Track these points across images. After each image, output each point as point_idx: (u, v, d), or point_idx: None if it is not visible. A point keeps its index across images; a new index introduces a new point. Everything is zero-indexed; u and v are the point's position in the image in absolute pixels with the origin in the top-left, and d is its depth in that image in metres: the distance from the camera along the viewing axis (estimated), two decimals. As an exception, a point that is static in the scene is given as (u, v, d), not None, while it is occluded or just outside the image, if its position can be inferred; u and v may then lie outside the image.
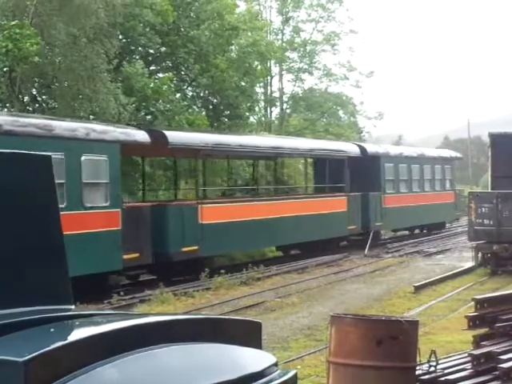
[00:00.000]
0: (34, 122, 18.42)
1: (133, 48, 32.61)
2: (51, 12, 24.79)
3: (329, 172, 30.93)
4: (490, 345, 9.07)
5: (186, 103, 32.98)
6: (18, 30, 22.60)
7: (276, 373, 3.55)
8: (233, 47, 36.35)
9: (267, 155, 30.13)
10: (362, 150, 33.70)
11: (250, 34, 37.24)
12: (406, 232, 38.83)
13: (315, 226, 28.90)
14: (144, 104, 30.23)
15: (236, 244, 25.48)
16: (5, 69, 25.41)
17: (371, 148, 35.08)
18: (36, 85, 28.56)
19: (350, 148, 33.41)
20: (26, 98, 28.68)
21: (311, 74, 52.58)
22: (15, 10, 24.81)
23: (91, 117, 26.22)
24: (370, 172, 33.71)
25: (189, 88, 35.83)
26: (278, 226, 27.03)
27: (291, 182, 38.93)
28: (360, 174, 33.06)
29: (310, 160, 34.14)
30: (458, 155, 45.72)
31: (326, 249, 29.54)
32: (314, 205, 29.67)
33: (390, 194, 34.69)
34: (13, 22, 23.03)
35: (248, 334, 3.81)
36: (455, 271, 23.97)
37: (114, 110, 25.78)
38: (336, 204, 30.81)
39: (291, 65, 52.24)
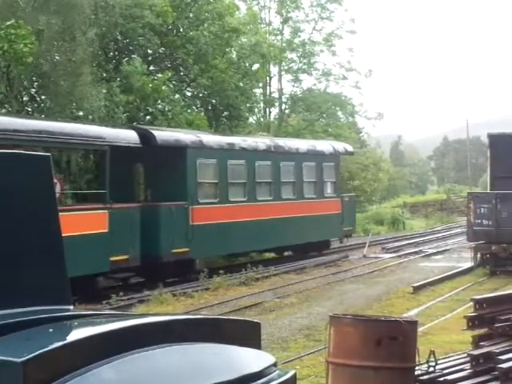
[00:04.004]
0: None
1: (131, 48, 32.61)
2: (37, 6, 24.74)
3: (70, 171, 22.32)
4: (489, 345, 9.07)
5: (184, 103, 32.97)
6: (13, 31, 22.55)
7: (275, 373, 3.55)
8: (232, 49, 36.34)
9: None
10: (146, 136, 21.94)
11: (251, 37, 37.28)
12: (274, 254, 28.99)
13: None
14: (143, 104, 30.22)
15: None
16: (3, 69, 25.40)
17: (165, 135, 23.16)
18: (35, 84, 28.55)
19: (117, 134, 21.26)
20: (25, 98, 28.67)
21: (310, 74, 52.62)
22: (2, 6, 24.69)
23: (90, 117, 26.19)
24: (168, 172, 22.59)
25: (188, 88, 35.84)
26: None
27: None
28: (151, 174, 23.06)
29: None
30: (348, 148, 33.36)
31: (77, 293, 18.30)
32: None
33: (205, 205, 23.43)
34: (8, 22, 22.95)
35: (247, 335, 3.80)
36: (454, 271, 23.98)
37: (95, 106, 25.39)
38: (86, 222, 19.34)
39: (290, 65, 52.27)
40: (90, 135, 20.22)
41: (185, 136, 23.75)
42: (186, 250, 22.49)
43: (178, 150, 22.63)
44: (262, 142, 27.70)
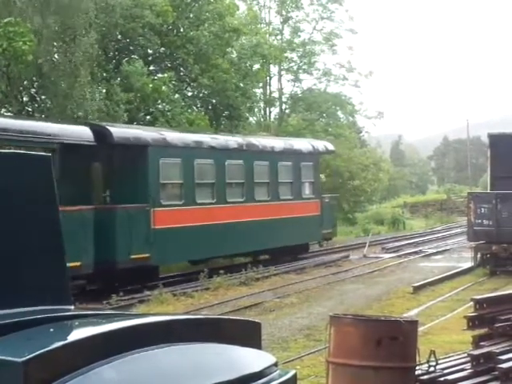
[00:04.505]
0: None
1: (131, 48, 32.63)
2: (37, 6, 24.70)
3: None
4: (489, 345, 9.07)
5: (184, 103, 32.96)
6: (11, 28, 22.49)
7: (276, 373, 3.55)
8: (233, 49, 36.34)
9: None
10: (102, 133, 20.49)
11: (253, 37, 37.30)
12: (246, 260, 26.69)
13: None
14: (143, 104, 30.21)
15: None
16: (3, 68, 25.39)
17: (122, 132, 21.74)
18: (35, 84, 28.55)
19: (67, 131, 19.88)
20: (25, 98, 28.65)
21: (310, 74, 52.61)
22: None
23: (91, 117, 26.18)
24: (128, 172, 21.17)
25: (188, 88, 35.85)
26: None
27: None
28: (111, 175, 21.42)
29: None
30: (329, 147, 32.28)
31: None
32: None
33: (169, 208, 21.99)
34: (5, 20, 22.87)
35: (247, 334, 3.80)
36: (454, 271, 23.98)
37: (94, 107, 25.33)
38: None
39: (290, 65, 52.26)
40: (36, 132, 18.66)
41: (145, 133, 22.48)
42: (147, 255, 20.94)
43: (138, 149, 21.24)
44: (232, 140, 26.13)
